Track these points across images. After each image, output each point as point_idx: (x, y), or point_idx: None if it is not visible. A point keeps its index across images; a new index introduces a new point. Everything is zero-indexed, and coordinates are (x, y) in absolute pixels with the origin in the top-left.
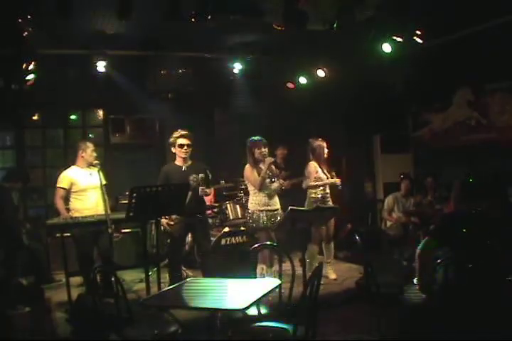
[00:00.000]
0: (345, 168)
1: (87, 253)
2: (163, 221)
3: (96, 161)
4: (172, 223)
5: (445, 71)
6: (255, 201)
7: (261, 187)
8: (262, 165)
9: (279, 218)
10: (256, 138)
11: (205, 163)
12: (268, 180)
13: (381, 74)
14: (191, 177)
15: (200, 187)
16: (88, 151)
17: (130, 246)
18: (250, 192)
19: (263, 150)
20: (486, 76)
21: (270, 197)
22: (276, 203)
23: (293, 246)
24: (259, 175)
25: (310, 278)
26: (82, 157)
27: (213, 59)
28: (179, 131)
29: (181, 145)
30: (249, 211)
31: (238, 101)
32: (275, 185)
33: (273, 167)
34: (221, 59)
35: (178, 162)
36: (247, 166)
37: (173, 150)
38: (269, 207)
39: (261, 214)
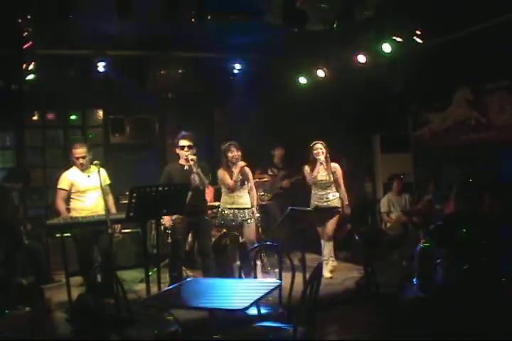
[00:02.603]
0: (345, 168)
1: (87, 253)
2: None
3: (96, 161)
4: (172, 223)
5: (445, 71)
6: (224, 200)
7: (234, 190)
8: (234, 169)
9: (247, 215)
10: (229, 142)
11: (206, 162)
12: (238, 184)
13: (381, 74)
14: (192, 176)
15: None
16: (74, 156)
17: (130, 246)
18: (222, 193)
19: (235, 153)
20: (485, 76)
21: (239, 197)
22: (245, 202)
23: (293, 246)
24: (231, 177)
25: (310, 278)
26: (73, 161)
27: (213, 59)
28: (182, 132)
29: (182, 147)
30: (220, 209)
31: (238, 101)
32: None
33: (246, 170)
34: (221, 59)
35: (182, 162)
36: (220, 169)
37: (177, 150)
38: (236, 206)
39: (227, 212)
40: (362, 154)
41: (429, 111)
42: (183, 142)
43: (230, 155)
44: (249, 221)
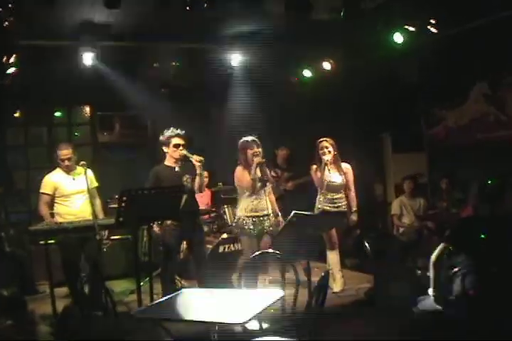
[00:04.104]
0: (353, 169)
1: (73, 261)
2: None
3: (82, 162)
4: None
5: (461, 63)
6: (243, 206)
7: (254, 191)
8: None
9: (267, 223)
10: (249, 138)
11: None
12: (260, 184)
13: (392, 66)
14: (185, 179)
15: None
16: (59, 158)
17: (120, 254)
18: (239, 197)
19: (256, 150)
20: (504, 68)
21: (260, 201)
22: (265, 208)
23: (297, 254)
24: None
25: (315, 288)
26: (58, 162)
27: (210, 50)
28: (172, 129)
29: (177, 145)
30: (236, 216)
31: (237, 96)
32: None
33: (266, 169)
34: (218, 50)
35: (170, 162)
36: (238, 168)
37: (165, 149)
38: (256, 213)
39: (247, 221)
40: (371, 154)
41: (444, 108)
42: (178, 140)
43: (249, 152)
44: (270, 229)
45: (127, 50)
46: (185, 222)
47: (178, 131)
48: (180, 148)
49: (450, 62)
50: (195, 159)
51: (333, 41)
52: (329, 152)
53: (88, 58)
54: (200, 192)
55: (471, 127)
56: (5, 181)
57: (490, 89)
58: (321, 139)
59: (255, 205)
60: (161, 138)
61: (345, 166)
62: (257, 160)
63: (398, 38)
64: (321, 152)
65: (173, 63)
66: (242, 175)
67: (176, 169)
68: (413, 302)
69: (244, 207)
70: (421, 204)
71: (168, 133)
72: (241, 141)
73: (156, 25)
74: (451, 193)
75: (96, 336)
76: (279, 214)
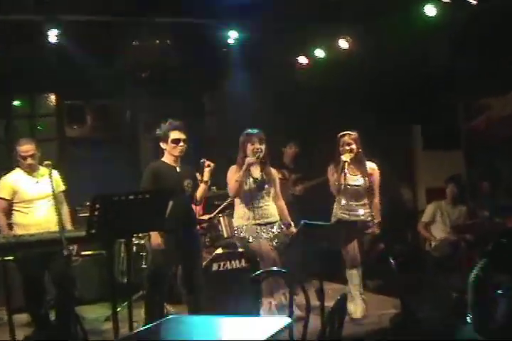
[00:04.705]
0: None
1: (35, 282)
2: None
3: (47, 161)
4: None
5: (506, 41)
6: (238, 214)
7: (237, 195)
8: (252, 167)
9: (273, 235)
10: (252, 130)
11: (193, 164)
12: (254, 186)
13: (423, 45)
14: (186, 183)
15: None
16: (19, 155)
17: (92, 273)
18: (235, 203)
19: (257, 146)
20: None
21: (258, 207)
22: (267, 215)
23: (308, 273)
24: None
25: (330, 314)
26: (18, 160)
27: (202, 26)
28: (170, 121)
29: (176, 141)
30: (234, 226)
31: (234, 81)
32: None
33: (270, 169)
34: (212, 26)
35: (169, 161)
36: (233, 167)
37: (163, 146)
38: (257, 221)
39: (246, 230)
40: (398, 151)
41: (486, 96)
42: (177, 134)
43: (249, 147)
44: (277, 241)
45: (101, 25)
46: (181, 234)
47: (177, 124)
48: (181, 143)
49: (493, 40)
50: (206, 163)
51: (351, 15)
52: (351, 149)
53: (53, 36)
54: (200, 203)
55: None
56: None
57: None
58: (343, 133)
59: (253, 212)
60: (158, 132)
61: (371, 166)
62: (248, 160)
63: (430, 9)
64: (341, 149)
65: (157, 41)
66: (232, 176)
67: (178, 170)
68: (448, 330)
69: (241, 215)
70: (461, 213)
71: (165, 126)
72: (243, 133)
73: None
74: (494, 199)
75: None
76: (292, 223)
